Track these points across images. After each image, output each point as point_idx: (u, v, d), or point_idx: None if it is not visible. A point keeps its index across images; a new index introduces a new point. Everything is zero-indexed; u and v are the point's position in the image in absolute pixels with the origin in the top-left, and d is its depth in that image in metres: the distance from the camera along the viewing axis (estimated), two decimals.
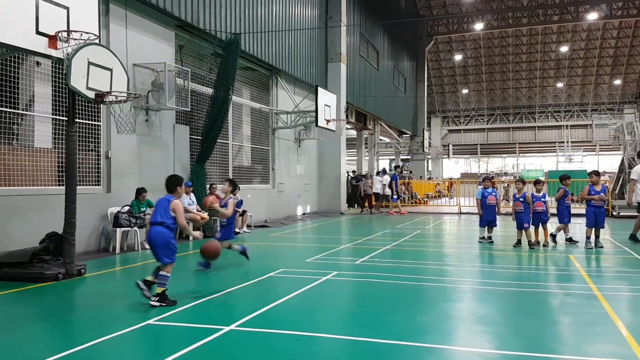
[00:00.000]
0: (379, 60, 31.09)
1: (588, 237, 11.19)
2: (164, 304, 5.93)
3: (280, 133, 19.44)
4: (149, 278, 6.16)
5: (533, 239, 11.24)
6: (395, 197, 22.29)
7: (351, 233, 15.61)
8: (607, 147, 48.39)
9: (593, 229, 11.20)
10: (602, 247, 11.16)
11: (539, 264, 9.83)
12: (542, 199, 11.36)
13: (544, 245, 11.32)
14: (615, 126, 24.22)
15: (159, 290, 6.00)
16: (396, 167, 35.33)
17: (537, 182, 11.94)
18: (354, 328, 5.35)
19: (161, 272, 6.08)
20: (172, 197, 6.34)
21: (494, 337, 4.98)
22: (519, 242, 11.32)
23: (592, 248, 11.03)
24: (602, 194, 11.32)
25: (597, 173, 11.77)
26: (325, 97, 19.01)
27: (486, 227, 12.07)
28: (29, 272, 7.54)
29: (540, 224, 11.39)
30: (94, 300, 6.69)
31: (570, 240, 11.81)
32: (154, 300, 5.94)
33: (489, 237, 12.11)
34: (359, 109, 28.54)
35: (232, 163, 16.57)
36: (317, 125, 18.38)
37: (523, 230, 11.22)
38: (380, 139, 37.12)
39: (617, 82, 51.29)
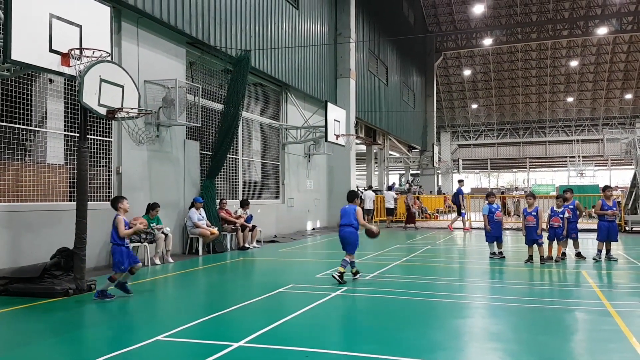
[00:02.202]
0: (388, 76, 31.19)
1: (599, 250, 11.28)
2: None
3: (290, 148, 19.49)
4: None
5: (546, 254, 11.13)
6: (463, 212, 21.61)
7: (361, 248, 15.49)
8: (619, 161, 48.06)
9: (604, 243, 11.22)
10: (616, 260, 11.14)
11: (552, 279, 9.72)
12: (560, 215, 11.28)
13: (555, 261, 11.20)
14: (627, 140, 24.00)
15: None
16: (408, 182, 35.34)
17: (558, 197, 11.89)
18: (364, 344, 5.31)
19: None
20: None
21: (506, 354, 4.92)
22: (530, 258, 11.18)
23: (600, 261, 11.02)
24: (614, 208, 11.26)
25: (610, 188, 11.84)
26: (335, 113, 19.06)
27: (495, 242, 11.99)
28: (39, 287, 7.56)
29: (556, 239, 11.31)
30: (104, 316, 6.69)
31: (579, 255, 11.79)
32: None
33: (500, 252, 12.01)
34: (368, 124, 28.59)
35: (242, 178, 16.61)
36: (326, 140, 18.40)
37: (535, 246, 11.08)
38: (390, 154, 37.10)
39: (629, 96, 51.03)
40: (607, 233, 11.22)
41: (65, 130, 10.22)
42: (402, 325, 5.95)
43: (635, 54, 47.58)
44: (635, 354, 4.81)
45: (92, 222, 8.63)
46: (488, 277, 9.69)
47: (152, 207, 11.28)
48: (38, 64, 7.14)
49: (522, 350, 5.04)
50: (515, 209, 31.06)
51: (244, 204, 14.72)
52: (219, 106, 14.24)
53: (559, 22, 40.30)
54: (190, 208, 12.80)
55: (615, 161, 49.73)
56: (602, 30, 38.48)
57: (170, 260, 11.30)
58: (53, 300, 7.30)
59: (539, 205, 11.72)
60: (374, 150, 33.92)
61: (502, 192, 42.09)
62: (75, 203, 8.08)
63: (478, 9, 40.18)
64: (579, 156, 49.24)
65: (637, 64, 48.34)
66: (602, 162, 50.99)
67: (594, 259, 11.33)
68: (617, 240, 11.27)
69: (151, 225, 11.00)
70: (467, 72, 51.17)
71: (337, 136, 18.94)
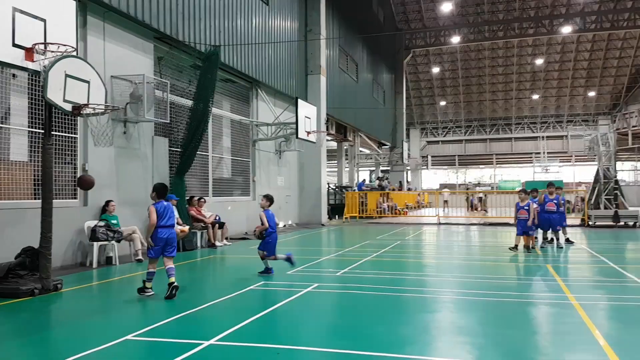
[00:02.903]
0: (359, 73, 31.33)
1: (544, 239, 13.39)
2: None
3: (261, 145, 19.42)
4: None
5: (531, 244, 12.32)
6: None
7: (332, 244, 15.62)
8: (583, 157, 49.24)
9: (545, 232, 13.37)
10: (561, 247, 13.11)
11: (518, 273, 9.95)
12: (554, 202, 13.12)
13: (532, 247, 12.41)
14: (590, 137, 24.67)
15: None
16: (378, 178, 35.60)
17: (533, 191, 13.28)
18: (335, 340, 5.35)
19: None
20: None
21: (474, 348, 5.02)
22: (515, 247, 12.23)
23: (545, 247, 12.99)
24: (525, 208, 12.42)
25: (552, 185, 13.70)
26: (306, 109, 19.08)
27: (523, 235, 12.26)
28: (4, 287, 7.38)
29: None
30: (70, 315, 6.57)
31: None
32: None
33: (547, 240, 13.34)
34: (339, 121, 28.68)
35: (212, 175, 16.48)
36: (297, 137, 18.42)
37: (522, 236, 12.17)
38: (360, 151, 37.31)
39: (592, 94, 52.34)
40: (548, 223, 13.16)
41: (29, 127, 9.98)
42: (372, 321, 6.01)
43: (598, 53, 48.80)
44: (597, 346, 4.97)
45: (58, 221, 8.45)
46: (456, 272, 9.85)
47: (106, 204, 11.08)
48: (1, 58, 6.93)
49: (488, 344, 5.15)
50: (482, 205, 31.64)
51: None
52: (188, 102, 14.08)
53: (525, 20, 41.05)
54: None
55: (579, 157, 50.88)
56: (566, 29, 39.37)
57: (140, 257, 11.13)
58: (18, 300, 7.13)
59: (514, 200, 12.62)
60: (345, 147, 34.06)
61: (468, 188, 42.80)
62: (40, 201, 7.91)
63: (446, 7, 40.64)
64: (544, 152, 50.32)
65: (600, 63, 49.59)
66: (566, 158, 52.17)
67: (541, 246, 13.07)
68: (557, 230, 13.39)
69: (111, 222, 10.81)
70: (435, 70, 51.70)
71: (308, 133, 18.97)
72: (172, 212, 7.51)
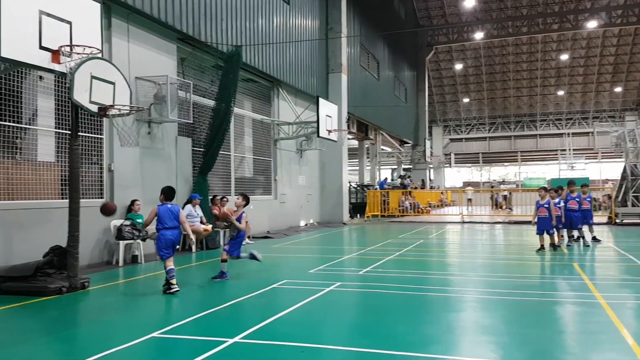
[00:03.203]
0: (380, 71, 31.21)
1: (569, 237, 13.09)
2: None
3: (282, 144, 19.48)
4: None
5: (557, 242, 12.03)
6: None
7: (354, 243, 15.60)
8: (609, 154, 48.39)
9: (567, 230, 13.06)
10: (588, 246, 12.83)
11: (544, 272, 9.82)
12: (558, 205, 12.25)
13: (558, 246, 12.10)
14: (617, 133, 24.19)
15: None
16: (400, 176, 35.44)
17: (559, 188, 13.04)
18: (358, 339, 5.34)
19: None
20: None
21: (498, 347, 4.97)
22: (542, 247, 11.82)
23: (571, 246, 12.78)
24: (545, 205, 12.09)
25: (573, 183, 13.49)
26: (327, 108, 19.07)
27: (543, 235, 11.97)
28: (32, 285, 7.53)
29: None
30: (97, 313, 6.68)
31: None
32: None
33: (572, 238, 13.01)
34: (360, 119, 28.61)
35: (235, 174, 16.60)
36: (318, 135, 18.42)
37: (545, 235, 11.81)
38: (382, 149, 37.17)
39: (618, 89, 51.33)
40: (569, 222, 12.71)
41: (56, 128, 10.17)
42: (395, 320, 5.99)
43: (625, 47, 47.83)
44: (626, 345, 4.88)
45: (85, 220, 8.60)
46: (480, 271, 9.76)
47: (132, 203, 11.26)
48: (28, 61, 7.09)
49: (513, 343, 5.09)
50: (507, 203, 31.26)
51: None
52: (210, 102, 14.21)
53: (549, 15, 40.41)
54: (185, 205, 12.76)
55: (605, 154, 50.09)
56: (592, 24, 38.65)
57: None
58: (46, 298, 7.28)
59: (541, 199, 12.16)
60: (366, 146, 33.96)
61: (492, 186, 42.33)
62: (67, 201, 8.05)
63: (469, 3, 40.22)
64: (569, 149, 49.49)
65: (626, 57, 48.60)
66: (592, 155, 51.35)
67: (567, 245, 12.84)
68: (578, 228, 12.94)
69: (136, 221, 10.95)
70: (458, 66, 51.25)
71: (329, 131, 18.96)
72: (176, 213, 7.79)
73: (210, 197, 13.88)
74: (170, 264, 7.62)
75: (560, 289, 7.97)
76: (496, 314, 6.31)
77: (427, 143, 41.50)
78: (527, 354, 4.75)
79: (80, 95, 7.62)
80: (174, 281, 7.50)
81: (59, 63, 7.42)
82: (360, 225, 21.87)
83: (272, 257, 12.12)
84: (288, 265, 11.00)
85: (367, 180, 33.73)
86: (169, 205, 7.78)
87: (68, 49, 7.45)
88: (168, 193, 7.88)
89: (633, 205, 21.26)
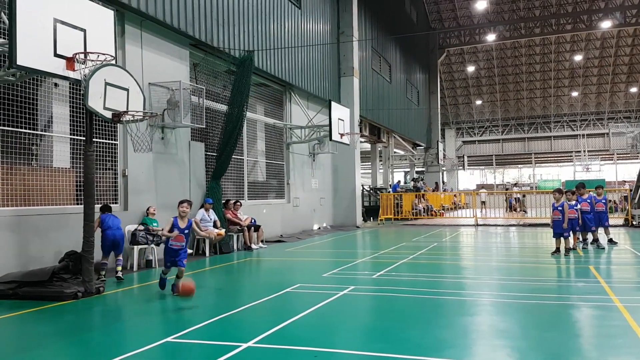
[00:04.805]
0: (392, 74, 31.16)
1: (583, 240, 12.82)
2: None
3: (295, 148, 19.51)
4: None
5: (572, 245, 11.83)
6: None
7: (367, 247, 15.56)
8: (625, 155, 47.84)
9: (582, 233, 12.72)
10: (603, 248, 12.67)
11: (559, 275, 9.72)
12: (575, 208, 12.02)
13: (573, 249, 11.96)
14: (633, 134, 23.93)
15: None
16: (413, 179, 35.30)
17: (568, 192, 12.49)
18: (372, 343, 5.32)
19: None
20: None
21: (514, 351, 4.92)
22: (557, 250, 11.62)
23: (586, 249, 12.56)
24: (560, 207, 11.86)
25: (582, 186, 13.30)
26: (339, 111, 19.08)
27: (559, 238, 11.69)
28: (48, 290, 7.61)
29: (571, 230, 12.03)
30: (112, 318, 6.73)
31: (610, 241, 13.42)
32: None
33: (586, 241, 12.70)
34: (372, 122, 28.57)
35: (247, 178, 16.65)
36: (331, 139, 18.43)
37: (562, 239, 11.59)
38: (395, 152, 37.07)
39: (634, 89, 50.74)
40: (583, 224, 12.37)
41: (71, 134, 10.28)
42: (409, 324, 5.97)
43: None
44: None
45: None
46: (494, 274, 9.68)
47: (148, 209, 11.37)
48: (43, 68, 7.18)
49: (529, 347, 5.04)
50: (521, 205, 31.00)
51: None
52: (223, 107, 14.28)
53: (563, 16, 40.10)
54: (200, 209, 12.83)
55: (621, 155, 49.50)
56: (606, 24, 38.29)
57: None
58: (62, 303, 7.34)
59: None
60: (379, 149, 33.90)
61: (507, 189, 42.04)
62: (82, 206, 8.13)
63: (481, 5, 40.07)
64: (584, 151, 49.07)
65: None
66: (608, 156, 50.78)
67: (582, 247, 12.58)
68: (591, 230, 12.75)
69: (152, 225, 11.02)
70: (470, 69, 51.01)
71: (342, 135, 18.96)
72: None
73: (224, 202, 13.93)
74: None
75: (576, 292, 7.87)
76: (511, 317, 6.26)
77: (440, 146, 41.32)
78: (543, 358, 4.70)
79: (95, 102, 7.70)
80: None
81: (74, 70, 7.50)
82: (374, 229, 21.82)
83: (285, 261, 12.14)
84: (302, 269, 11.00)
85: (380, 183, 33.64)
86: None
87: (82, 56, 7.53)
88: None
89: None
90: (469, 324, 6.02)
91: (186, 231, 7.70)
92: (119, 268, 9.40)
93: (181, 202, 7.85)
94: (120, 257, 9.54)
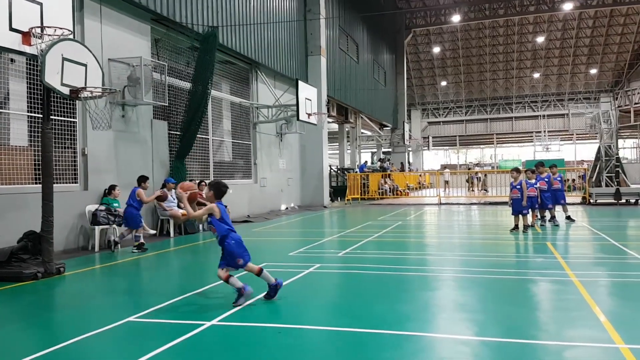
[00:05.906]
0: (359, 54, 31.11)
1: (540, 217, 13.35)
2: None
3: (262, 127, 19.37)
4: None
5: (530, 222, 12.29)
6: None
7: (334, 226, 15.66)
8: (584, 135, 49.11)
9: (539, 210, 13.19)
10: (557, 225, 13.14)
11: (518, 251, 9.98)
12: (535, 186, 12.48)
13: (531, 226, 12.39)
14: (592, 115, 24.56)
15: None
16: (380, 159, 35.52)
17: (528, 171, 12.92)
18: (336, 319, 5.39)
19: None
20: None
21: (473, 324, 5.05)
22: (516, 227, 12.01)
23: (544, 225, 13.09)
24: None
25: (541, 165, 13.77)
26: (306, 91, 18.99)
27: (518, 215, 12.06)
28: (7, 271, 7.44)
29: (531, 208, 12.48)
30: (73, 298, 6.62)
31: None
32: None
33: (544, 219, 13.19)
34: (340, 103, 28.55)
35: (213, 158, 16.47)
36: (298, 119, 18.36)
37: (520, 216, 11.99)
38: (362, 132, 37.18)
39: (593, 71, 51.93)
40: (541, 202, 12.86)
41: (28, 112, 9.96)
42: (373, 300, 6.05)
43: (600, 29, 48.33)
44: (597, 322, 4.99)
45: (59, 205, 8.48)
46: (456, 250, 9.88)
47: (112, 188, 11.05)
48: None
49: (488, 320, 5.18)
50: (483, 184, 31.65)
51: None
52: (187, 85, 14.02)
53: None
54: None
55: (580, 135, 50.80)
56: (568, 6, 38.87)
57: (143, 241, 11.13)
58: (21, 284, 7.18)
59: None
60: (346, 129, 33.96)
61: (469, 168, 42.73)
62: (40, 186, 7.92)
63: None
64: (544, 131, 50.08)
65: (602, 39, 49.13)
66: (567, 136, 52.01)
67: (540, 224, 13.12)
68: (548, 208, 13.14)
69: (112, 205, 10.81)
70: (436, 50, 51.27)
71: (309, 115, 18.90)
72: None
73: (192, 181, 13.76)
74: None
75: (534, 268, 8.10)
76: (472, 292, 6.41)
77: (406, 126, 41.62)
78: (502, 330, 4.84)
79: (52, 78, 7.46)
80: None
81: (30, 45, 7.24)
82: (341, 208, 21.95)
83: (252, 240, 12.10)
84: (269, 248, 11.00)
85: (347, 163, 33.78)
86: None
87: (39, 30, 7.27)
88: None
89: (607, 186, 21.69)
90: (430, 298, 6.14)
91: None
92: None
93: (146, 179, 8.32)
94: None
